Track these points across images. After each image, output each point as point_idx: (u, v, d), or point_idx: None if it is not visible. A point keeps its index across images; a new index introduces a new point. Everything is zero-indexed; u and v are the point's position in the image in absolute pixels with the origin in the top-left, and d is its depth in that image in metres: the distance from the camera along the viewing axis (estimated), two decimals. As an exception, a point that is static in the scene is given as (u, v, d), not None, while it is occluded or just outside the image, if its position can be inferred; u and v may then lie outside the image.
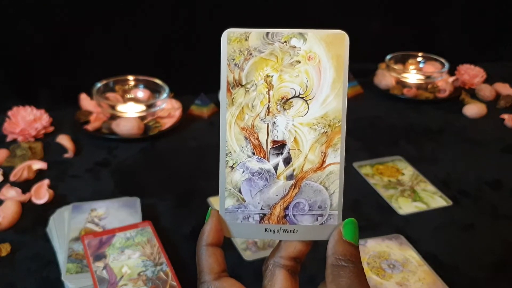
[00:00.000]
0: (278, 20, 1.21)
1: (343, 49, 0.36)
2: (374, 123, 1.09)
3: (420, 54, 1.26)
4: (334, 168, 0.37)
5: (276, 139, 0.37)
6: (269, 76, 0.36)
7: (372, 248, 0.72)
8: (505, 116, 1.11)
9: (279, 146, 0.37)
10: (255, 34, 0.36)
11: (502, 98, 1.19)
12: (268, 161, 0.37)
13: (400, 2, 1.36)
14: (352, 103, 1.14)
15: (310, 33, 0.36)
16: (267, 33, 0.36)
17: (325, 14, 1.28)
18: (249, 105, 0.36)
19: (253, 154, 0.37)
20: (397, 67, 1.22)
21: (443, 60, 1.23)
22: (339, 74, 0.36)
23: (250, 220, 0.37)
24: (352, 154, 0.93)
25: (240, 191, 0.37)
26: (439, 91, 1.19)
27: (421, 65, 1.26)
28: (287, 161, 0.37)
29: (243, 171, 0.37)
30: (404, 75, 1.21)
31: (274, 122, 0.37)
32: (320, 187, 0.37)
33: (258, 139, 0.37)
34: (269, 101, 0.36)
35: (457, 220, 0.79)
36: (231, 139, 0.37)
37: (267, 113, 0.37)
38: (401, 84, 1.20)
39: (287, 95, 0.36)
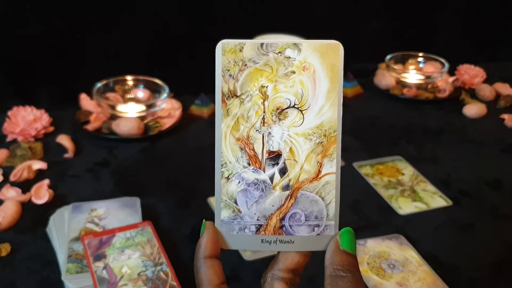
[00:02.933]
0: (279, 20, 1.21)
1: (338, 58, 0.36)
2: (374, 123, 1.09)
3: (420, 54, 1.26)
4: (330, 178, 0.37)
5: (271, 149, 0.37)
6: (264, 86, 0.36)
7: (372, 248, 0.72)
8: (505, 116, 1.10)
9: (275, 157, 0.37)
10: (250, 45, 0.36)
11: (502, 98, 1.19)
12: (264, 172, 0.37)
13: (400, 2, 1.36)
14: (352, 103, 1.15)
15: (305, 43, 0.36)
16: (262, 44, 0.36)
17: (326, 14, 1.28)
18: (244, 115, 0.36)
19: (249, 164, 0.37)
20: (397, 67, 1.22)
21: (443, 60, 1.23)
22: (334, 84, 0.36)
23: (246, 231, 0.37)
24: (352, 154, 0.93)
25: (236, 202, 0.37)
26: (439, 91, 1.19)
27: (421, 65, 1.26)
28: (283, 172, 0.37)
29: (239, 182, 0.37)
30: (404, 75, 1.21)
31: (270, 133, 0.36)
32: (316, 197, 0.37)
33: (253, 149, 0.37)
34: (264, 112, 0.36)
35: (457, 220, 0.79)
36: (226, 150, 0.36)
37: (262, 124, 0.36)
38: (401, 84, 1.20)
39: (282, 106, 0.36)
